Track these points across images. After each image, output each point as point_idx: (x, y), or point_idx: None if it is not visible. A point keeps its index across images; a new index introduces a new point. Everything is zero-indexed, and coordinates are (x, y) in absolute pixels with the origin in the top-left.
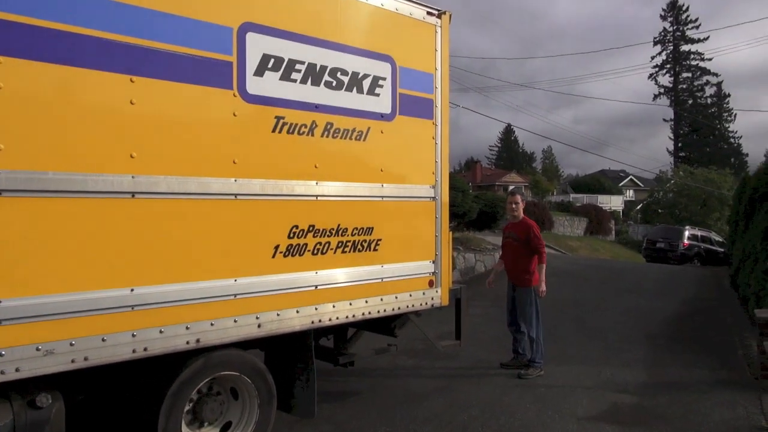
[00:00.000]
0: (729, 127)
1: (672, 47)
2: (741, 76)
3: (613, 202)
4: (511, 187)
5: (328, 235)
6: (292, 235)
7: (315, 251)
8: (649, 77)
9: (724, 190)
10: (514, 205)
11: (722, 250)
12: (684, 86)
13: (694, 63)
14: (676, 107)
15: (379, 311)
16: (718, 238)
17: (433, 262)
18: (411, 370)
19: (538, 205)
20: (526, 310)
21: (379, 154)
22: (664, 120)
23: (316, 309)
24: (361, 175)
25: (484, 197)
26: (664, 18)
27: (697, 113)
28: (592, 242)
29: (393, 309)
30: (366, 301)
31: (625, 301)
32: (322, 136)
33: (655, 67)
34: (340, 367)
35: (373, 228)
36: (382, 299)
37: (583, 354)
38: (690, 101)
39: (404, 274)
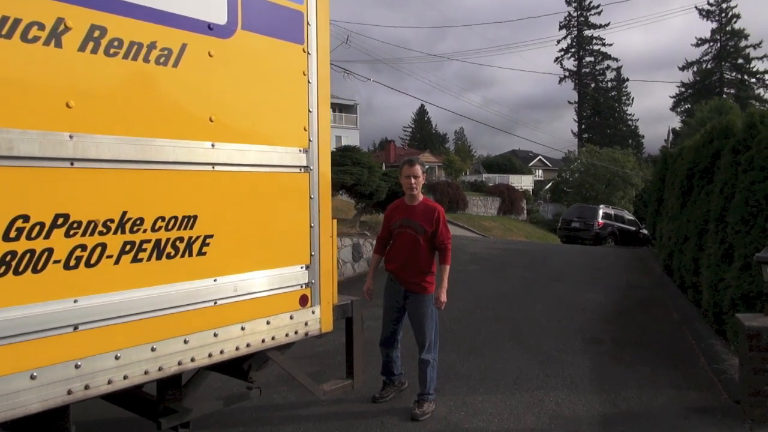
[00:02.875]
0: (627, 110)
1: (576, 32)
2: (637, 63)
3: (524, 182)
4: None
5: (100, 232)
6: (14, 234)
7: (71, 263)
8: (555, 60)
9: (627, 169)
10: (413, 180)
11: (634, 228)
12: (587, 70)
13: (596, 48)
14: (580, 89)
15: (211, 355)
16: (630, 217)
17: (308, 267)
18: (290, 412)
19: (452, 184)
20: (426, 326)
21: (206, 91)
22: (569, 102)
23: (77, 367)
24: (171, 127)
25: (394, 175)
26: (569, 3)
27: (599, 96)
28: (505, 222)
29: (238, 348)
30: (185, 341)
31: (554, 292)
32: (81, 50)
33: (561, 51)
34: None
35: (196, 217)
36: (216, 335)
37: (516, 371)
38: (593, 85)
39: (257, 291)
